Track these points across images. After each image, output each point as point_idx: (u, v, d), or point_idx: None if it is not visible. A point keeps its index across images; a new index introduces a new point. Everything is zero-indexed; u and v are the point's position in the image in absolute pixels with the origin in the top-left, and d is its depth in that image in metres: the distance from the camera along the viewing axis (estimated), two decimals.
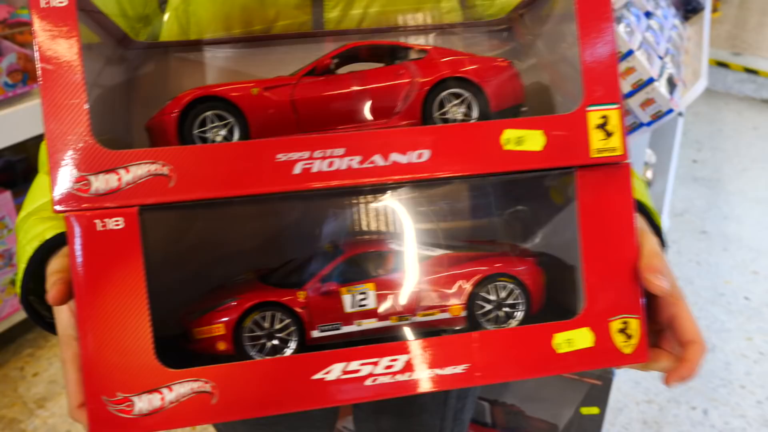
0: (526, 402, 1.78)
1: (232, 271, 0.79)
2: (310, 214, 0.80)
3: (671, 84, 1.80)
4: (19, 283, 0.71)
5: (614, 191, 0.67)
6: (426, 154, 0.64)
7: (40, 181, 0.81)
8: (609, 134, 0.66)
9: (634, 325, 0.68)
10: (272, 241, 0.82)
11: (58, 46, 0.60)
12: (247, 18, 0.83)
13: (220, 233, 0.81)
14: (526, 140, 0.65)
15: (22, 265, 0.70)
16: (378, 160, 0.63)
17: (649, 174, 2.72)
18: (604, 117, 0.66)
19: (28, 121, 1.88)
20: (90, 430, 0.60)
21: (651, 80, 1.69)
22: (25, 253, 0.71)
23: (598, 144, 0.66)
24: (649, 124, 1.75)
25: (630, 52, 1.66)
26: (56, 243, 0.68)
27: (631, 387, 2.30)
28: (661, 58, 1.92)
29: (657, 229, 0.77)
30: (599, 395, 1.72)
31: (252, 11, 0.83)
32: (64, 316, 0.66)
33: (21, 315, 2.13)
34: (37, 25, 0.60)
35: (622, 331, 0.68)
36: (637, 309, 0.68)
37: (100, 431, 0.60)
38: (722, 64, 5.31)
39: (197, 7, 0.84)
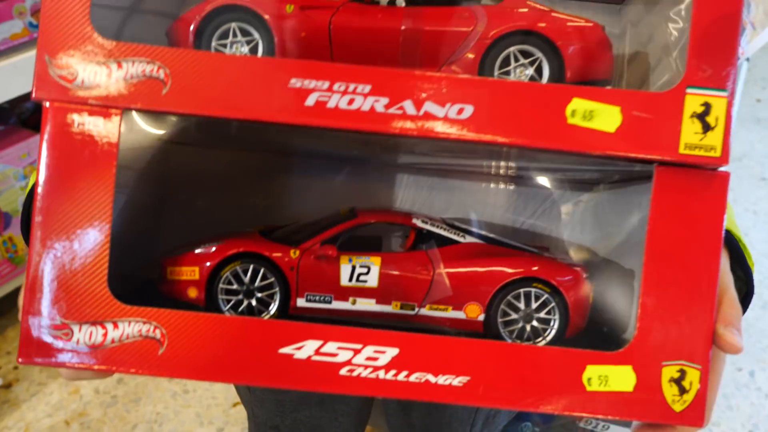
0: None
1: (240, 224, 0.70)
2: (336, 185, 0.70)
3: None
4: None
5: (701, 203, 0.53)
6: (468, 110, 0.52)
7: None
8: (708, 127, 0.51)
9: (693, 376, 0.53)
10: (289, 200, 0.72)
11: None
12: None
13: (235, 183, 0.73)
14: (597, 116, 0.51)
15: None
16: (408, 106, 0.52)
17: None
18: (705, 104, 0.51)
19: None
20: (19, 351, 0.52)
21: None
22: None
23: (691, 137, 0.51)
24: None
25: None
26: None
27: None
28: None
29: (744, 267, 0.61)
30: None
31: None
32: None
33: None
34: None
35: (676, 381, 0.53)
36: (701, 357, 0.53)
37: (29, 354, 0.52)
38: None
39: None
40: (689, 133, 0.51)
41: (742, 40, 1.54)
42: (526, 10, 0.58)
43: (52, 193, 0.52)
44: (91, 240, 0.52)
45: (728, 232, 0.59)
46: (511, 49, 0.56)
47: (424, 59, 0.57)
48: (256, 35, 0.57)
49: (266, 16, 0.57)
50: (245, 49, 0.57)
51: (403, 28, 0.57)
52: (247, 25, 0.57)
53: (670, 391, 0.53)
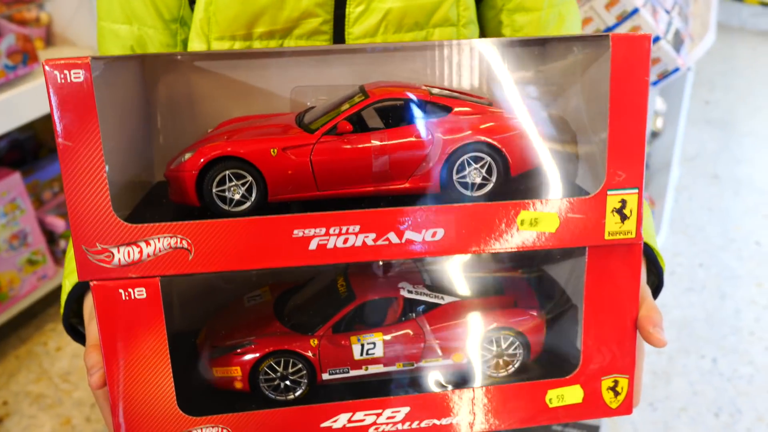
0: None
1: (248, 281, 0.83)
2: None
3: (678, 40, 1.71)
4: (62, 310, 0.78)
5: (623, 269, 0.69)
6: (440, 232, 0.65)
7: None
8: (625, 218, 0.66)
9: (624, 383, 0.73)
10: None
11: (76, 123, 0.59)
12: (271, 18, 0.80)
13: None
14: (541, 222, 0.65)
15: (63, 296, 0.76)
16: (392, 237, 0.64)
17: (659, 123, 2.64)
18: (622, 201, 0.65)
19: (32, 101, 1.81)
20: None
21: (657, 39, 1.60)
22: (65, 286, 0.77)
23: (613, 227, 0.66)
24: (655, 83, 1.68)
25: (635, 11, 1.56)
26: None
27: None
28: (668, 12, 1.80)
29: (657, 267, 0.79)
30: None
31: (275, 12, 0.80)
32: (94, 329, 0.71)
33: (40, 292, 2.14)
34: (55, 101, 0.59)
35: (612, 388, 0.73)
36: (629, 369, 0.73)
37: None
38: None
39: (219, 7, 0.80)
40: (611, 223, 0.66)
41: (681, 52, 1.60)
42: (471, 119, 0.68)
43: (118, 350, 0.65)
44: (158, 378, 0.66)
45: (645, 245, 0.75)
46: (464, 157, 0.68)
47: (393, 174, 0.68)
48: (249, 177, 0.67)
49: (255, 162, 0.66)
50: (242, 190, 0.67)
51: (372, 151, 0.67)
52: (240, 171, 0.67)
53: (608, 396, 0.73)
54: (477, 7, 0.90)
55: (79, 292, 0.77)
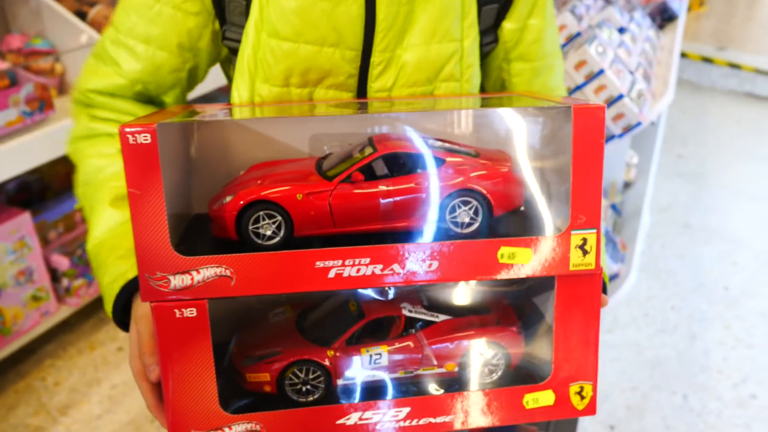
0: None
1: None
2: None
3: (641, 97, 1.90)
4: (110, 309, 0.91)
5: (585, 293, 0.83)
6: (435, 264, 0.79)
7: (104, 212, 0.97)
8: (586, 252, 0.81)
9: (588, 388, 0.87)
10: None
11: (143, 175, 0.74)
12: (306, 67, 0.95)
13: None
14: (517, 256, 0.80)
15: (108, 302, 0.90)
16: (396, 268, 0.79)
17: (632, 174, 2.84)
18: (583, 239, 0.80)
19: (45, 145, 1.92)
20: None
21: (621, 96, 1.77)
22: (111, 290, 0.90)
23: (576, 260, 0.81)
24: (620, 135, 1.86)
25: (601, 71, 1.73)
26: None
27: (616, 376, 2.46)
28: (632, 73, 2.01)
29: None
30: None
31: (311, 64, 0.95)
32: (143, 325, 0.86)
33: (42, 327, 2.23)
34: (127, 158, 0.73)
35: (578, 393, 0.87)
36: (592, 376, 0.87)
37: None
38: (707, 60, 5.59)
39: (266, 55, 0.95)
40: (575, 257, 0.81)
41: (644, 108, 1.79)
42: (461, 168, 0.83)
43: (172, 358, 0.79)
44: (204, 382, 0.80)
45: None
46: (455, 201, 0.83)
47: (397, 215, 0.83)
48: (279, 217, 0.81)
49: (284, 205, 0.81)
50: (273, 227, 0.82)
51: (380, 196, 0.82)
52: (272, 212, 0.81)
53: (575, 399, 0.87)
54: (483, 58, 1.05)
55: (125, 295, 0.91)
